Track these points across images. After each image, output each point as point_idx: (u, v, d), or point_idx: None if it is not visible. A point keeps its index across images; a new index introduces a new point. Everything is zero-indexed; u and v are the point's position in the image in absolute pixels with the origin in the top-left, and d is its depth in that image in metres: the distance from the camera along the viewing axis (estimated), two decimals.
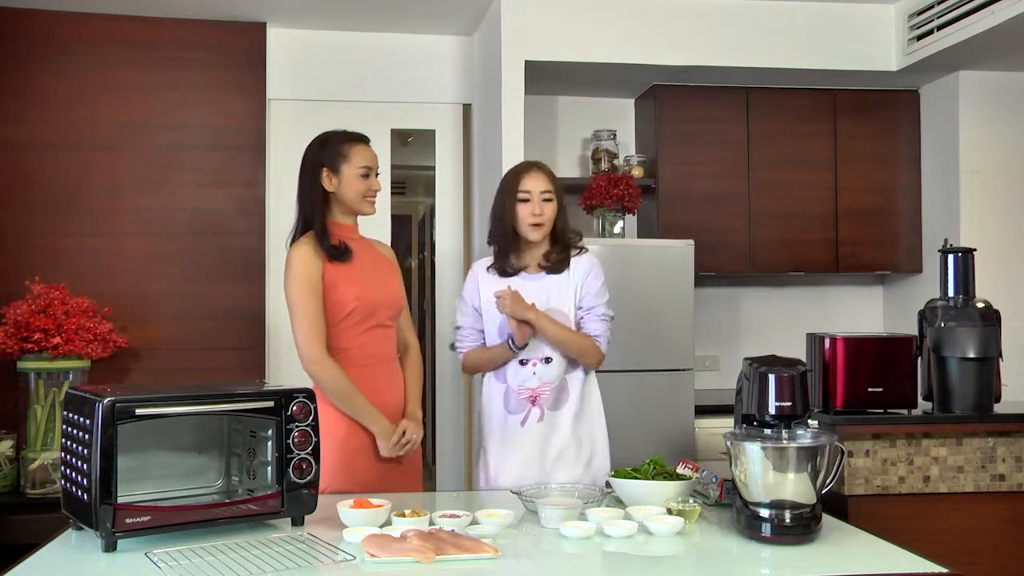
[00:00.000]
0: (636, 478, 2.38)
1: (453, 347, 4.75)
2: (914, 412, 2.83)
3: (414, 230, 7.32)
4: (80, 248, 4.32)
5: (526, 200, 2.77)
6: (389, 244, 3.47)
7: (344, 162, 2.70)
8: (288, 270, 2.66)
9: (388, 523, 2.15)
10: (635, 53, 4.35)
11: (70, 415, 2.10)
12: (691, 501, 2.30)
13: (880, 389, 2.81)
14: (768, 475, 2.07)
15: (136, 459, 2.15)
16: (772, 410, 2.18)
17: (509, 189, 2.80)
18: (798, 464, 2.06)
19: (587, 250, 2.88)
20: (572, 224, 2.90)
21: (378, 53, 4.79)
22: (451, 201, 4.92)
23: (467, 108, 4.90)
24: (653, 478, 2.38)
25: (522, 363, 2.76)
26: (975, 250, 2.89)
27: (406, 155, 5.45)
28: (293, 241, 2.73)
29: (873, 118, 4.84)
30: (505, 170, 4.10)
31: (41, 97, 4.33)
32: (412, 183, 6.63)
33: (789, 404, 2.17)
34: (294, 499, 2.18)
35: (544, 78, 4.52)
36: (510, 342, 2.73)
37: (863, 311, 5.18)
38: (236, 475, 2.33)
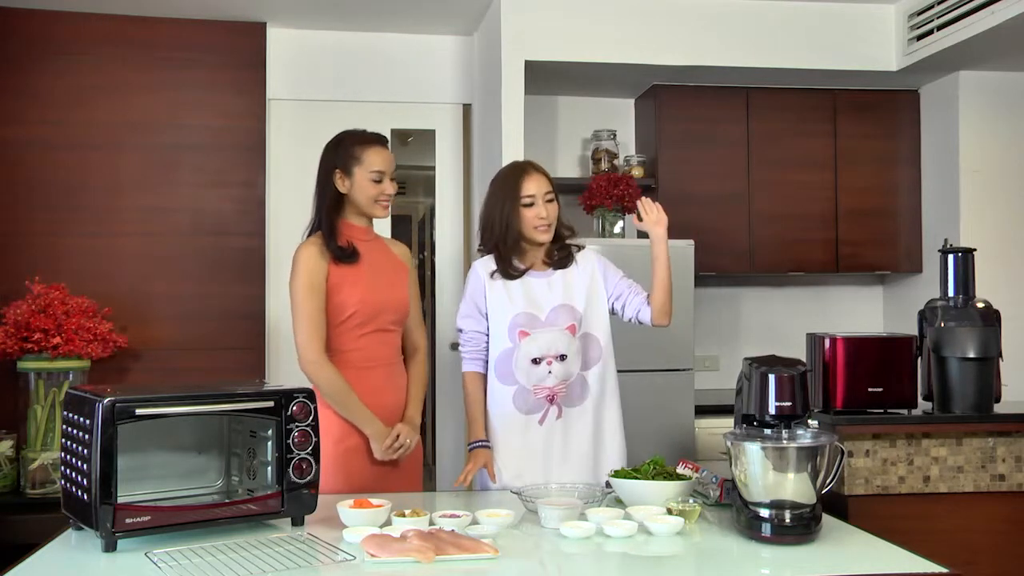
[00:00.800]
0: (636, 478, 2.38)
1: (455, 347, 4.77)
2: (914, 412, 2.83)
3: (414, 230, 7.31)
4: (80, 248, 4.32)
5: (530, 204, 2.73)
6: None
7: (356, 165, 2.68)
8: (293, 269, 2.66)
9: (388, 523, 2.15)
10: (635, 53, 4.35)
11: (70, 415, 2.10)
12: (691, 501, 2.30)
13: (880, 389, 2.81)
14: (768, 475, 2.07)
15: (136, 459, 2.15)
16: (772, 410, 2.18)
17: (509, 195, 2.75)
18: (798, 464, 2.06)
19: (580, 242, 2.90)
20: (567, 221, 2.92)
21: (378, 53, 4.79)
22: (451, 201, 4.93)
23: (467, 108, 4.90)
24: (653, 478, 2.37)
25: (535, 362, 2.72)
26: (975, 250, 2.89)
27: (406, 155, 5.45)
28: (305, 239, 2.73)
29: (873, 118, 4.84)
30: None
31: (41, 97, 4.34)
32: (412, 183, 6.63)
33: (789, 404, 2.17)
34: (294, 499, 2.18)
35: (544, 78, 4.52)
36: (471, 443, 2.80)
37: (863, 311, 5.18)
38: (236, 475, 2.33)
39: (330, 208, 2.71)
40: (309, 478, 2.20)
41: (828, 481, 2.10)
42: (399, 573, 1.86)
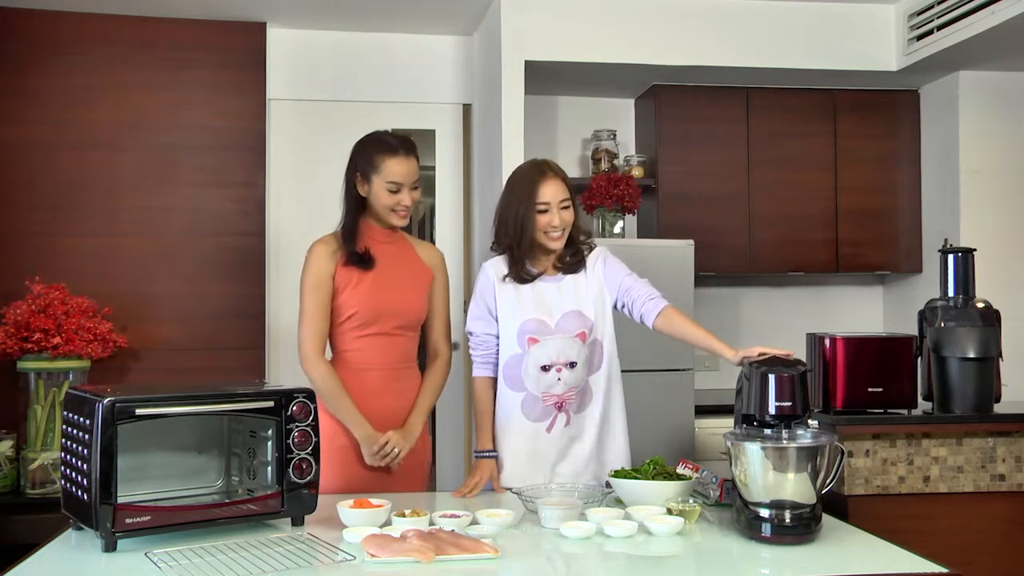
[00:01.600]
0: (636, 478, 2.38)
1: (454, 347, 4.77)
2: (914, 412, 2.83)
3: (414, 230, 7.31)
4: (80, 248, 4.32)
5: (545, 211, 2.66)
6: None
7: (374, 172, 2.64)
8: (304, 264, 2.67)
9: (388, 523, 2.15)
10: (635, 53, 4.35)
11: (70, 415, 2.10)
12: (691, 501, 2.30)
13: (880, 389, 2.80)
14: (768, 475, 2.07)
15: (136, 459, 2.15)
16: (772, 410, 2.17)
17: (526, 198, 2.67)
18: (798, 464, 2.06)
19: (594, 245, 2.81)
20: (584, 226, 2.86)
21: (378, 53, 4.79)
22: (451, 201, 4.93)
23: (467, 108, 4.90)
24: (653, 478, 2.37)
25: (544, 369, 2.67)
26: (975, 250, 2.89)
27: None
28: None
29: (873, 118, 4.84)
30: (505, 170, 4.13)
31: (41, 97, 4.34)
32: None
33: (789, 404, 2.17)
34: (294, 499, 2.18)
35: (544, 78, 4.52)
36: (477, 452, 2.75)
37: (863, 311, 5.18)
38: (236, 475, 2.33)
39: (352, 209, 2.69)
40: (309, 478, 2.20)
41: (828, 481, 2.10)
42: (399, 573, 1.86)
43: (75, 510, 2.07)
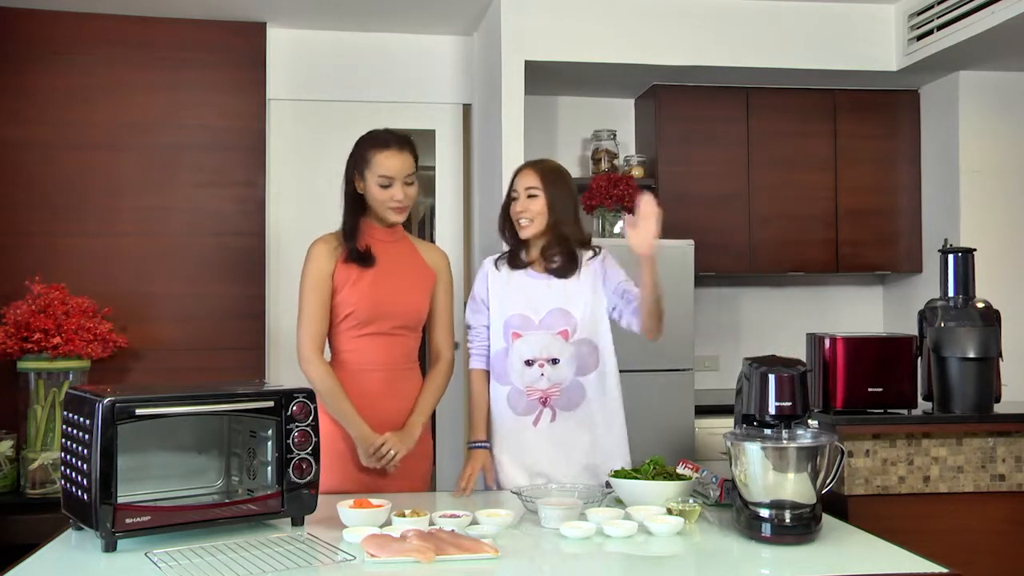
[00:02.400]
0: (636, 478, 2.38)
1: (455, 346, 4.77)
2: (914, 412, 2.83)
3: (414, 230, 7.31)
4: (80, 248, 4.32)
5: (515, 198, 2.76)
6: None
7: (367, 168, 2.64)
8: (303, 264, 2.66)
9: (388, 523, 2.15)
10: (635, 53, 4.35)
11: (70, 415, 2.10)
12: (691, 501, 2.30)
13: (880, 389, 2.80)
14: (768, 475, 2.07)
15: (136, 459, 2.15)
16: (772, 410, 2.17)
17: (509, 188, 2.81)
18: (798, 464, 2.06)
19: (601, 249, 2.80)
20: (580, 228, 2.82)
21: (378, 53, 4.79)
22: (451, 201, 4.93)
23: (467, 108, 4.90)
24: (653, 478, 2.37)
25: (528, 363, 2.71)
26: (975, 250, 2.89)
27: None
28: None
29: (873, 118, 4.84)
30: (505, 170, 4.15)
31: (41, 97, 4.34)
32: None
33: (789, 404, 2.17)
34: (294, 499, 2.18)
35: (544, 78, 4.52)
36: (470, 443, 2.79)
37: (863, 311, 5.18)
38: (236, 475, 2.33)
39: (351, 207, 2.69)
40: (309, 478, 2.20)
41: (828, 481, 2.10)
42: (399, 573, 1.86)
43: (75, 510, 2.07)
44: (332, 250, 2.65)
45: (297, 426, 2.19)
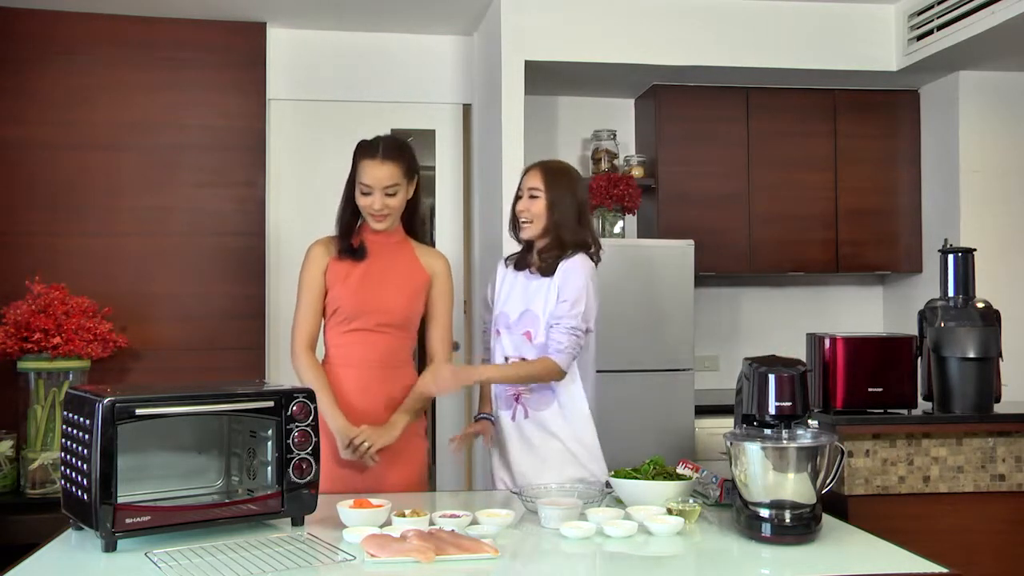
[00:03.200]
0: (636, 478, 2.38)
1: (455, 347, 4.77)
2: (914, 412, 2.83)
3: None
4: (80, 248, 4.32)
5: (520, 197, 2.77)
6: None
7: (355, 173, 2.72)
8: (302, 263, 2.76)
9: (388, 523, 2.15)
10: (635, 53, 4.35)
11: (70, 415, 2.10)
12: (691, 501, 2.30)
13: (880, 389, 2.81)
14: (768, 475, 2.07)
15: (136, 459, 2.15)
16: (772, 410, 2.18)
17: (518, 185, 2.83)
18: (798, 464, 2.06)
19: (580, 254, 2.70)
20: (585, 231, 2.78)
21: (378, 53, 4.78)
22: (451, 201, 4.92)
23: (467, 108, 4.90)
24: (653, 478, 2.37)
25: (507, 359, 2.76)
26: (975, 250, 2.89)
27: None
28: None
29: (873, 118, 4.84)
30: (505, 170, 4.15)
31: (41, 97, 4.33)
32: None
33: (789, 404, 2.17)
34: (294, 499, 2.18)
35: (544, 78, 4.51)
36: (477, 415, 2.87)
37: (863, 311, 5.18)
38: (236, 475, 2.33)
39: (346, 207, 2.75)
40: (309, 478, 2.20)
41: (828, 481, 2.10)
42: (399, 573, 1.86)
43: (75, 510, 2.07)
44: (327, 249, 2.73)
45: (297, 426, 2.19)
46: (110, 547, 1.99)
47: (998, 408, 2.81)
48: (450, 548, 1.93)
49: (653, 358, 4.12)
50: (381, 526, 2.12)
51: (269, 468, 2.20)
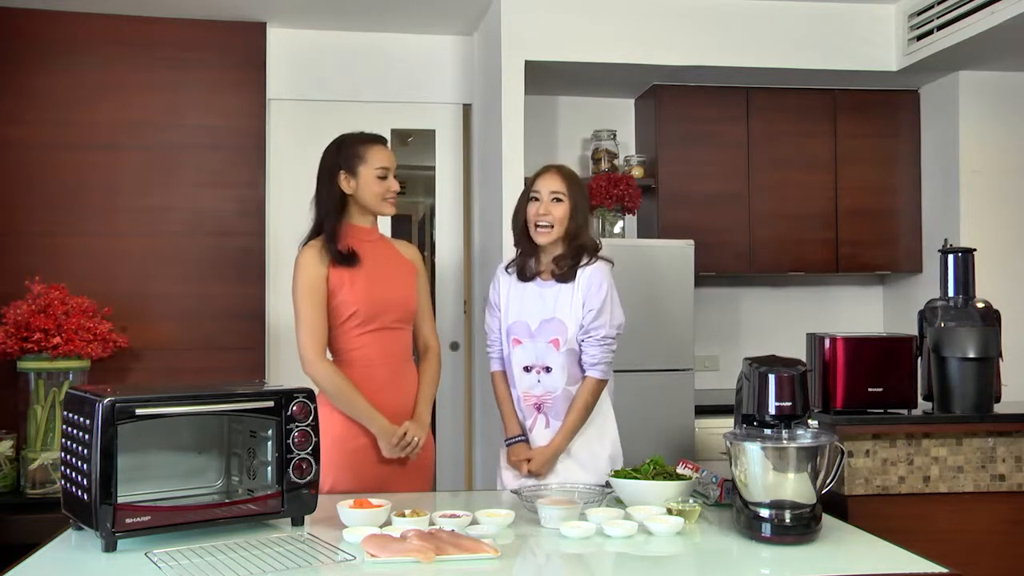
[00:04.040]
0: (636, 478, 2.38)
1: (455, 346, 4.78)
2: (914, 412, 2.83)
3: (414, 230, 7.31)
4: (80, 248, 4.32)
5: (535, 199, 2.73)
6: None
7: (361, 164, 2.71)
8: (294, 273, 2.69)
9: (388, 523, 2.15)
10: (635, 53, 4.35)
11: (70, 415, 2.10)
12: (691, 501, 2.30)
13: (880, 389, 2.81)
14: (768, 475, 2.07)
15: (136, 459, 2.15)
16: (772, 410, 2.18)
17: (525, 188, 2.79)
18: (798, 464, 2.06)
19: (598, 259, 2.75)
20: (593, 236, 2.82)
21: (378, 53, 4.78)
22: (451, 201, 4.92)
23: (467, 108, 4.90)
24: (653, 478, 2.37)
25: (527, 370, 2.73)
26: (975, 250, 2.90)
27: (406, 155, 5.44)
28: (306, 242, 2.74)
29: (873, 118, 4.84)
30: (505, 170, 4.16)
31: (41, 97, 4.33)
32: (412, 183, 6.62)
33: (789, 404, 2.17)
34: (294, 499, 2.18)
35: (544, 78, 4.51)
36: (508, 439, 2.79)
37: (863, 311, 5.18)
38: (236, 475, 2.33)
39: (334, 210, 2.72)
40: (309, 478, 2.20)
41: (828, 481, 2.10)
42: (399, 573, 1.86)
43: (75, 510, 2.07)
44: (321, 256, 2.68)
45: (297, 426, 2.19)
46: (110, 547, 1.99)
47: (998, 408, 2.82)
48: (450, 548, 1.93)
49: (653, 358, 4.12)
50: (381, 526, 2.12)
51: (269, 468, 2.20)
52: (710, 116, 4.71)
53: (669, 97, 4.69)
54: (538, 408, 2.74)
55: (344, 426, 2.64)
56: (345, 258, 2.68)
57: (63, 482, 2.13)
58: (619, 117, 4.98)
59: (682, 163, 4.67)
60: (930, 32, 4.26)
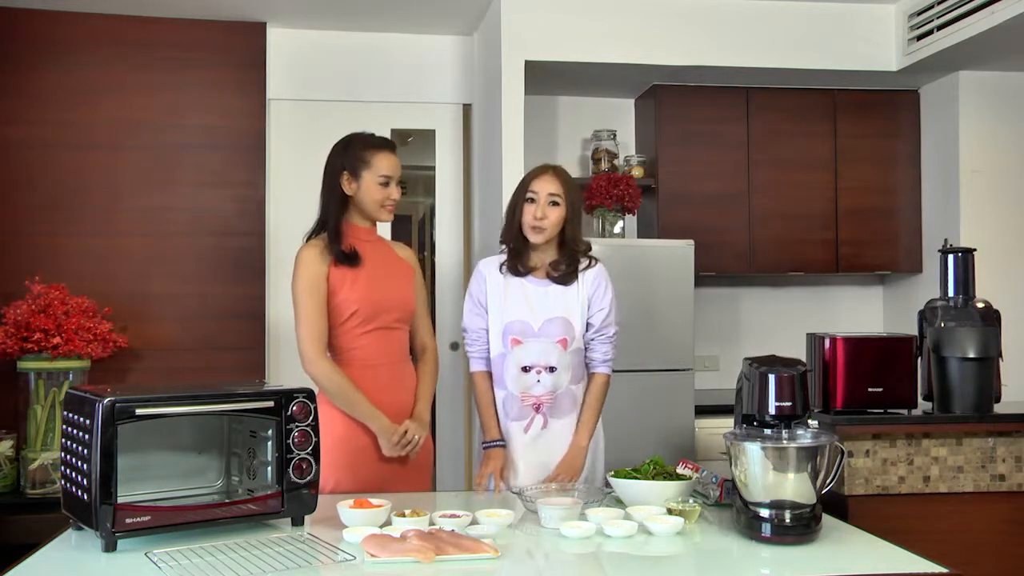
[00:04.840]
0: (636, 478, 2.38)
1: (455, 347, 4.78)
2: (914, 412, 2.83)
3: (414, 230, 7.31)
4: (80, 248, 4.32)
5: (532, 200, 2.73)
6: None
7: (365, 168, 2.71)
8: (294, 271, 2.69)
9: (388, 523, 2.15)
10: (635, 53, 4.35)
11: (70, 415, 2.10)
12: (691, 501, 2.30)
13: (880, 389, 2.81)
14: (768, 475, 2.07)
15: (136, 459, 2.15)
16: (772, 410, 2.18)
17: (521, 188, 2.78)
18: (798, 464, 2.06)
19: (597, 261, 2.82)
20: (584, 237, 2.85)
21: (378, 53, 4.79)
22: (451, 201, 4.93)
23: (467, 108, 4.90)
24: (653, 478, 2.38)
25: (525, 370, 2.72)
26: (975, 250, 2.89)
27: (406, 155, 5.40)
28: (309, 239, 2.75)
29: (873, 118, 4.84)
30: (505, 170, 4.15)
31: (41, 97, 4.33)
32: (412, 183, 6.62)
33: (789, 404, 2.17)
34: (294, 499, 2.18)
35: (544, 78, 4.51)
36: (485, 442, 2.78)
37: (863, 311, 5.18)
38: (236, 475, 2.33)
39: (335, 210, 2.73)
40: (309, 478, 2.20)
41: (828, 481, 2.10)
42: (399, 573, 1.86)
43: (75, 510, 2.07)
44: (322, 255, 2.68)
45: (297, 426, 2.19)
46: (110, 547, 1.99)
47: (998, 408, 2.81)
48: (450, 548, 1.93)
49: (653, 358, 4.12)
50: (381, 526, 2.12)
51: (269, 468, 2.20)
52: (710, 116, 4.71)
53: (669, 97, 4.69)
54: (537, 408, 2.73)
55: (346, 426, 2.64)
56: (347, 257, 2.68)
57: (63, 482, 2.13)
58: (619, 117, 4.98)
59: (682, 163, 4.67)
60: (930, 32, 4.26)
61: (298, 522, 2.21)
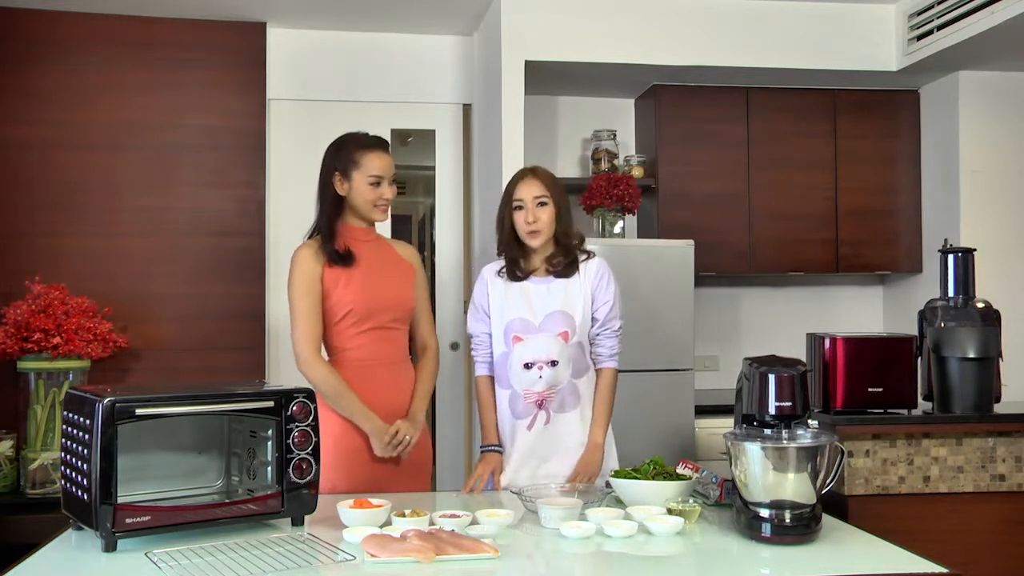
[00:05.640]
0: (636, 478, 2.38)
1: (455, 347, 4.78)
2: (914, 412, 2.83)
3: (414, 230, 7.31)
4: (80, 248, 4.32)
5: (520, 208, 2.75)
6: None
7: (355, 169, 2.72)
8: (290, 271, 2.70)
9: (388, 523, 2.15)
10: (635, 53, 4.35)
11: (70, 415, 2.10)
12: (691, 501, 2.30)
13: (880, 389, 2.81)
14: (768, 475, 2.07)
15: (136, 459, 2.15)
16: (772, 410, 2.18)
17: (506, 198, 2.79)
18: (798, 464, 2.06)
19: (594, 254, 2.84)
20: (576, 227, 2.88)
21: (378, 53, 4.79)
22: (451, 201, 4.93)
23: (467, 108, 4.90)
24: (653, 478, 2.38)
25: (527, 367, 2.72)
26: (975, 250, 2.89)
27: (406, 155, 5.45)
28: (309, 238, 2.76)
29: (873, 118, 4.84)
30: (505, 171, 4.15)
31: (41, 97, 4.33)
32: (412, 183, 6.63)
33: (789, 404, 2.17)
34: (294, 499, 2.18)
35: (544, 78, 4.52)
36: (483, 446, 2.79)
37: (863, 311, 5.18)
38: (236, 475, 2.33)
39: (329, 211, 2.74)
40: (309, 478, 2.20)
41: (828, 481, 2.10)
42: (399, 573, 1.86)
43: (75, 510, 2.07)
44: (317, 255, 2.70)
45: (297, 426, 2.19)
46: (110, 547, 1.99)
47: (998, 408, 2.81)
48: (450, 548, 1.93)
49: (653, 358, 4.12)
50: (381, 526, 2.13)
51: (269, 468, 2.20)
52: (710, 116, 4.71)
53: (669, 97, 4.69)
54: (539, 404, 2.74)
55: (341, 426, 2.65)
56: (341, 257, 2.69)
57: (63, 482, 2.13)
58: (619, 117, 4.98)
59: (682, 163, 4.68)
60: (930, 32, 4.26)
61: (298, 522, 2.21)
